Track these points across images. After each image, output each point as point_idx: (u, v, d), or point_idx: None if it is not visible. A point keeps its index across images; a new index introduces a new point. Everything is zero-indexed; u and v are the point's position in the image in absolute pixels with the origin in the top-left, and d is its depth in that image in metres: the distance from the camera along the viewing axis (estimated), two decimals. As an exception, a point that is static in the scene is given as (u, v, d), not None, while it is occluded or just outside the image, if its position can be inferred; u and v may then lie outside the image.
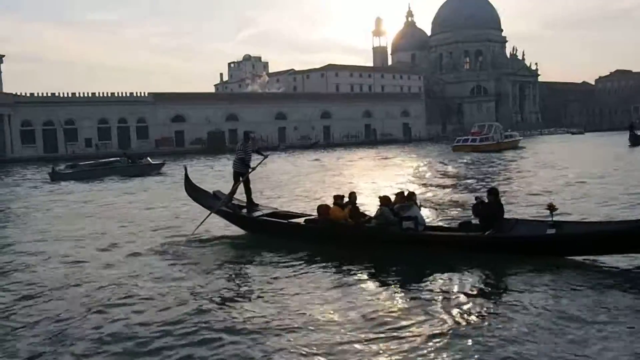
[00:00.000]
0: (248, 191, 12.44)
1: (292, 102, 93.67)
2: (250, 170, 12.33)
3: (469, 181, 23.94)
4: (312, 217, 11.02)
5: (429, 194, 19.35)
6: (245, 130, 13.81)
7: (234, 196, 12.29)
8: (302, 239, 10.63)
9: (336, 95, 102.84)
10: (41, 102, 73.29)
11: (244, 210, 12.08)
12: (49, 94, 74.99)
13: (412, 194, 10.05)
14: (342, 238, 10.12)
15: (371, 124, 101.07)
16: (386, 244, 9.69)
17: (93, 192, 24.48)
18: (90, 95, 77.37)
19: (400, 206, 9.75)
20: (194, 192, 12.75)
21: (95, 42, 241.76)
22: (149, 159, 37.14)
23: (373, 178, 26.45)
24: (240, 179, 12.22)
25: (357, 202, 10.63)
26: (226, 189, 13.08)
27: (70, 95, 75.95)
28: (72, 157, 62.63)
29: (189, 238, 10.73)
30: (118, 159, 36.20)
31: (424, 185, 22.83)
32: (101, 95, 78.20)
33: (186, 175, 12.73)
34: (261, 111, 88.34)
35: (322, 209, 10.56)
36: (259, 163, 12.40)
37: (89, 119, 75.66)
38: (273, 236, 11.07)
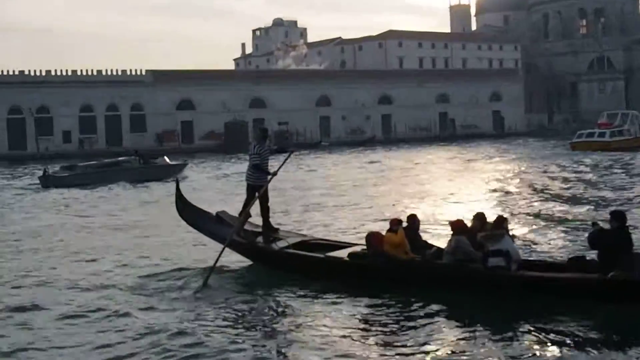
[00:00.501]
0: (265, 211, 12.21)
1: (339, 82, 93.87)
2: (269, 177, 12.06)
3: (593, 194, 23.41)
4: (359, 248, 10.95)
5: (529, 209, 19.28)
6: (261, 127, 13.72)
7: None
8: (344, 279, 10.56)
9: (399, 73, 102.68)
10: (5, 83, 75.45)
11: (260, 238, 12.04)
12: (16, 72, 77.50)
13: (502, 220, 10.00)
14: (402, 278, 10.04)
15: (448, 112, 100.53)
16: (465, 287, 9.62)
17: (98, 203, 25.13)
18: (69, 73, 79.41)
19: (485, 236, 9.70)
20: (190, 213, 12.64)
21: (76, 2, 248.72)
22: (166, 158, 38.64)
23: (451, 189, 26.29)
24: (256, 194, 11.90)
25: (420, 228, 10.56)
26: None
27: (43, 74, 78.21)
28: (46, 155, 64.36)
29: (198, 288, 10.67)
30: (127, 158, 37.58)
31: (525, 197, 22.81)
32: (84, 73, 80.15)
33: (178, 191, 12.66)
34: (297, 95, 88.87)
35: (373, 238, 10.51)
36: (283, 162, 12.27)
37: (68, 105, 77.43)
38: (302, 274, 11.04)
